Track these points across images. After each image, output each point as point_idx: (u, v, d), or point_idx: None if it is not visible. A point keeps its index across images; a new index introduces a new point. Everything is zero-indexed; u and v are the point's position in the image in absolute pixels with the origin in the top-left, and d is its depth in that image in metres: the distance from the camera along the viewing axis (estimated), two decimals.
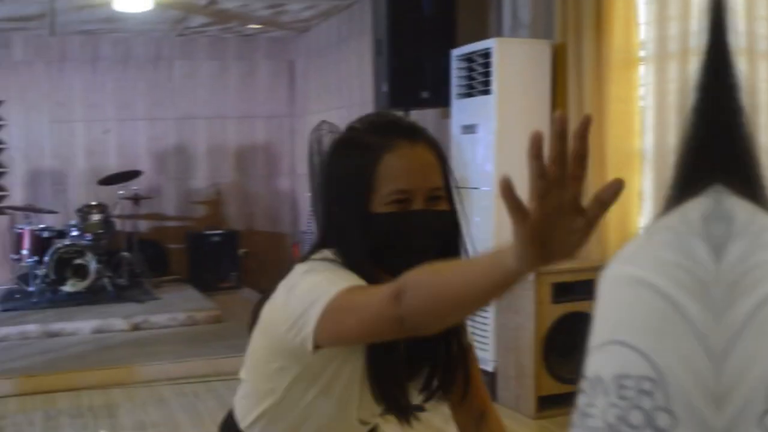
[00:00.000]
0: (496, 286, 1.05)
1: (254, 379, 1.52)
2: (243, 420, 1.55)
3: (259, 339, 1.48)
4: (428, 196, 1.40)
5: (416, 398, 1.53)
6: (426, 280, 1.14)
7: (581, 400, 0.59)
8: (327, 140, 4.55)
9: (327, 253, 1.41)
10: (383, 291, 1.19)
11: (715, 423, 0.55)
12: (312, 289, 1.30)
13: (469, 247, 1.51)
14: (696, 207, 0.60)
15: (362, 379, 1.44)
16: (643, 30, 4.18)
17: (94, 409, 4.78)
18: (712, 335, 0.56)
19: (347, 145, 1.46)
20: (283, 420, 1.49)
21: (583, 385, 0.59)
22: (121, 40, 8.57)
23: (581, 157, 0.92)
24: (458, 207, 1.48)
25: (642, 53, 4.22)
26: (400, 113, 5.31)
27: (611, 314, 0.61)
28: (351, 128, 1.49)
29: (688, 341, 0.56)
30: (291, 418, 1.49)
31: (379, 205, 1.39)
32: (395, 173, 1.38)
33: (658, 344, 0.57)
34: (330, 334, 1.28)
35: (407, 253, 1.36)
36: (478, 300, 1.10)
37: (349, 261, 1.38)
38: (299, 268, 1.40)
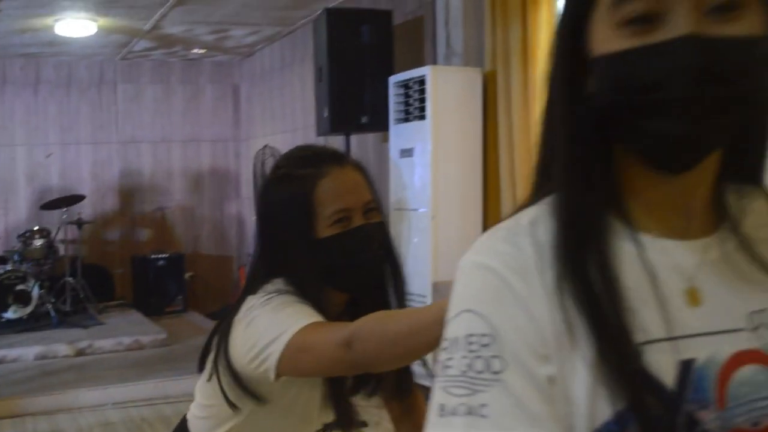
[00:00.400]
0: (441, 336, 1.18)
1: (217, 402, 1.54)
2: None
3: (220, 369, 1.51)
4: (364, 211, 1.50)
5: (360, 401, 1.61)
6: (375, 330, 1.25)
7: (443, 356, 0.77)
8: (270, 165, 4.66)
9: (279, 283, 1.46)
10: (336, 336, 1.29)
11: (537, 371, 0.73)
12: (272, 326, 1.37)
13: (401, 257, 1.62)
14: (527, 214, 0.83)
15: (322, 396, 1.53)
16: None
17: None
18: (530, 303, 0.75)
19: (281, 181, 1.53)
20: None
21: (444, 345, 0.77)
22: (63, 64, 8.58)
23: None
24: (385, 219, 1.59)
25: None
26: (333, 138, 5.47)
27: (463, 291, 0.78)
28: (279, 167, 1.57)
29: (514, 307, 0.75)
30: None
31: (322, 229, 1.47)
32: (332, 195, 1.47)
33: (494, 310, 0.75)
34: (290, 370, 1.37)
35: (358, 268, 1.47)
36: (425, 348, 1.19)
37: (302, 289, 1.45)
38: (254, 300, 1.45)
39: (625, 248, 0.77)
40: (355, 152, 5.73)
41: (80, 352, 6.35)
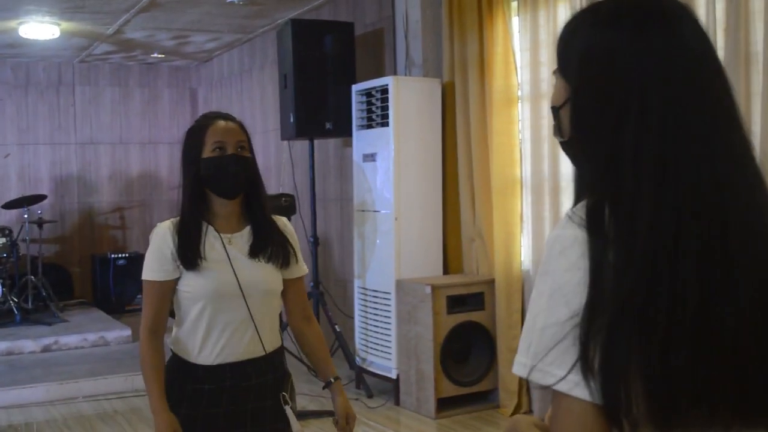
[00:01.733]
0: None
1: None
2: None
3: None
4: (236, 146, 2.29)
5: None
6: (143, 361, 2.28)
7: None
8: None
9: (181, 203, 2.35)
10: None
11: None
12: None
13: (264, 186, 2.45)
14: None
15: None
16: (520, 73, 4.77)
17: (15, 426, 4.95)
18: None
19: (191, 130, 2.36)
20: None
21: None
22: (21, 65, 8.65)
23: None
24: (254, 157, 2.37)
25: (519, 93, 4.80)
26: (298, 143, 5.75)
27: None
28: (192, 124, 2.40)
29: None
30: None
31: (206, 153, 2.27)
32: (214, 133, 2.28)
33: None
34: None
35: (224, 178, 2.26)
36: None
37: (187, 194, 2.29)
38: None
39: None
40: (316, 156, 6.01)
41: (46, 349, 6.49)
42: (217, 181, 2.26)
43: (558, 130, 1.14)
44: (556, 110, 1.12)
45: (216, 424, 2.26)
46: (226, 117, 2.34)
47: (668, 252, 0.95)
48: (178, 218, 2.29)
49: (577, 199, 1.07)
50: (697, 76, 1.01)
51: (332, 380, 2.39)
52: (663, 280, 0.94)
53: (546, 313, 0.99)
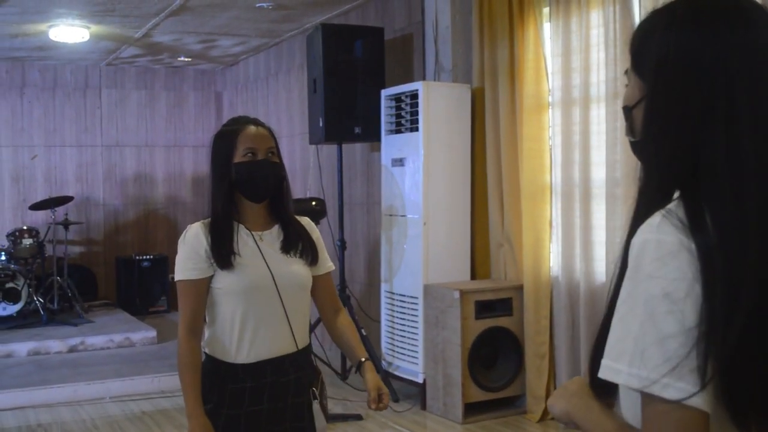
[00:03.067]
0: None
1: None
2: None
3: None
4: (267, 152, 2.34)
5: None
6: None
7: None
8: None
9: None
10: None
11: None
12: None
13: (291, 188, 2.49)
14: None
15: None
16: (551, 79, 4.77)
17: (44, 426, 4.99)
18: None
19: (221, 133, 2.40)
20: None
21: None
22: (49, 68, 8.74)
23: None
24: (283, 162, 2.42)
25: (550, 99, 4.80)
26: (327, 147, 5.75)
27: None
28: (221, 128, 2.44)
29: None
30: None
31: (237, 158, 2.31)
32: (245, 139, 2.32)
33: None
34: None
35: (255, 182, 2.31)
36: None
37: (218, 195, 2.32)
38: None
39: None
40: (343, 160, 6.03)
41: (72, 349, 6.53)
42: (249, 186, 2.32)
43: (630, 129, 1.14)
44: (628, 110, 1.13)
45: (259, 422, 2.29)
46: (257, 122, 2.38)
47: None
48: (209, 219, 2.33)
49: (644, 200, 1.06)
50: None
51: (362, 360, 2.40)
52: None
53: (660, 322, 0.97)
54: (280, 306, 2.30)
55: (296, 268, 2.35)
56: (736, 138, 0.99)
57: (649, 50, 1.09)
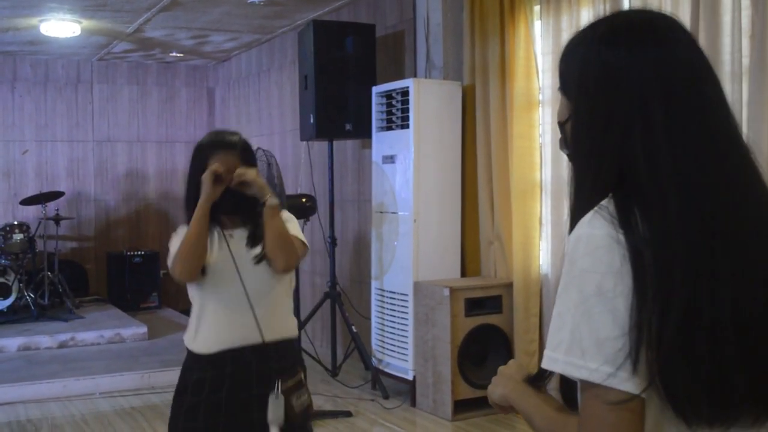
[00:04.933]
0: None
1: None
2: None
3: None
4: (233, 174, 2.41)
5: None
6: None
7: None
8: (273, 166, 4.99)
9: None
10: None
11: None
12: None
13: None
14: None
15: None
16: (541, 77, 4.78)
17: (34, 421, 4.98)
18: None
19: (198, 147, 2.54)
20: None
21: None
22: (40, 62, 8.70)
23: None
24: (257, 167, 2.56)
25: (540, 97, 4.81)
26: (317, 143, 5.75)
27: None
28: (201, 139, 2.58)
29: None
30: None
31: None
32: (215, 162, 2.42)
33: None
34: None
35: (219, 208, 2.41)
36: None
37: (187, 205, 2.48)
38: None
39: None
40: (335, 157, 6.03)
41: (62, 344, 6.52)
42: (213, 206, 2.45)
43: (564, 143, 1.21)
44: (561, 125, 1.20)
45: (218, 410, 2.37)
46: (229, 145, 2.47)
47: (704, 254, 1.00)
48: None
49: (579, 205, 1.12)
50: (693, 85, 1.07)
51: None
52: (703, 282, 1.00)
53: (596, 320, 1.02)
54: (242, 294, 2.39)
55: (260, 253, 2.45)
56: (656, 146, 1.04)
57: (571, 68, 1.15)
